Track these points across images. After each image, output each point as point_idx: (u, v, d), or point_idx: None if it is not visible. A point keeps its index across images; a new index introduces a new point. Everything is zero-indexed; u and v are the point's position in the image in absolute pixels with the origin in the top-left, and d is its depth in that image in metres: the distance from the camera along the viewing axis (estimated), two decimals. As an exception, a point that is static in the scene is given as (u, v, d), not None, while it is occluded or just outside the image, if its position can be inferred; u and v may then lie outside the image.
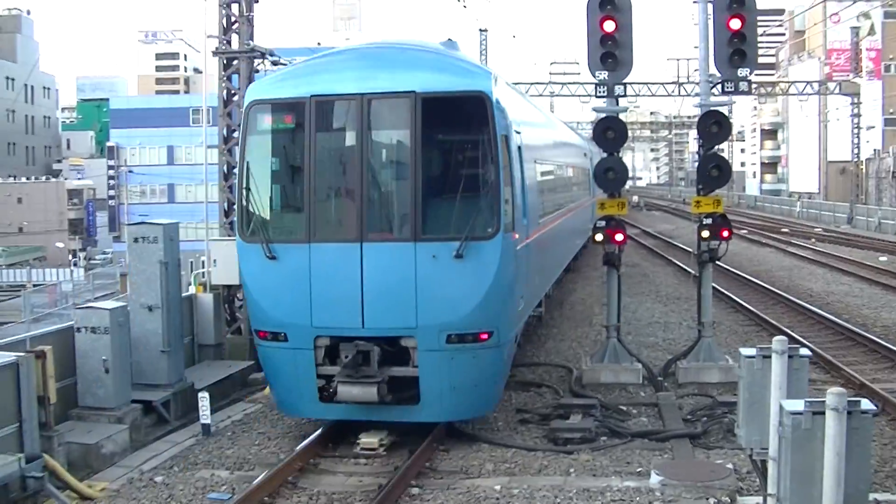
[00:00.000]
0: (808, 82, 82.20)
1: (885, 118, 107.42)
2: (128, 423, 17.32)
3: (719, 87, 21.57)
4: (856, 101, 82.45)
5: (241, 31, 23.24)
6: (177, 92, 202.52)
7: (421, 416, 16.44)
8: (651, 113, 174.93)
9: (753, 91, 21.77)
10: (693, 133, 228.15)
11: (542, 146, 25.51)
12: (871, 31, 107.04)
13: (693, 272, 40.22)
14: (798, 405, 10.02)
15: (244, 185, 16.86)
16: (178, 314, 19.95)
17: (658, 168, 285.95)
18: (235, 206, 19.54)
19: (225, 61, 23.46)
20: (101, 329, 17.34)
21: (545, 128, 29.37)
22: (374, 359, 15.80)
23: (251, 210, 16.90)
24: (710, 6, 21.46)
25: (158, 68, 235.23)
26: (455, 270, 15.78)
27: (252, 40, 23.28)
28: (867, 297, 35.14)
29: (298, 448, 16.16)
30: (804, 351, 12.46)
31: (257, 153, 17.25)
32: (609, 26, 20.39)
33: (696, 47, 22.48)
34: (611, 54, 20.54)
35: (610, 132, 21.18)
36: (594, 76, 20.91)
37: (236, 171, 19.07)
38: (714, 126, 21.18)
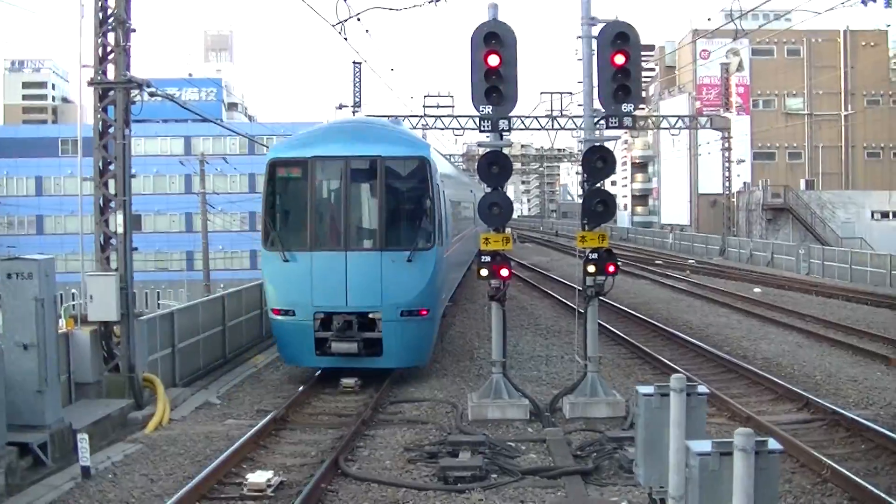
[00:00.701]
0: (679, 116, 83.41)
1: (754, 152, 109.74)
2: (3, 467, 16.45)
3: (603, 121, 21.64)
4: (726, 135, 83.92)
5: (118, 61, 22.57)
6: (45, 121, 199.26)
7: (383, 364, 25.42)
8: (522, 146, 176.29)
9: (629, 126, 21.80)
10: (564, 166, 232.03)
11: (452, 190, 34.96)
12: (740, 68, 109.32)
13: (573, 305, 40.75)
14: (705, 446, 9.92)
15: (268, 214, 25.79)
16: (55, 352, 19.23)
17: (529, 200, 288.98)
18: (260, 227, 27.15)
19: (101, 92, 22.80)
20: (-27, 369, 16.62)
21: (452, 177, 40.75)
22: (354, 326, 24.74)
23: (272, 230, 25.66)
24: (593, 41, 21.50)
25: (25, 97, 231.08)
26: (406, 270, 24.84)
27: (129, 71, 22.66)
28: (745, 329, 35.60)
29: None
30: (702, 388, 12.46)
31: (276, 193, 26.27)
32: (493, 60, 20.36)
33: (579, 82, 22.58)
34: (495, 88, 20.51)
35: (495, 167, 21.09)
36: (478, 110, 20.85)
37: (261, 205, 26.16)
38: (599, 161, 21.26)
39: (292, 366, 27.36)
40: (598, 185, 21.91)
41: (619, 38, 20.75)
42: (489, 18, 20.65)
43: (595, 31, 21.53)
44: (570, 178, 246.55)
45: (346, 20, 26.63)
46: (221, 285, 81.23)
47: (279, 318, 25.61)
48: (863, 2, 29.86)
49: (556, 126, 73.62)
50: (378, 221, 25.25)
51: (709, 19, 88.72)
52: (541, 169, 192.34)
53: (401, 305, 24.92)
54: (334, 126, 30.86)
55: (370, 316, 24.99)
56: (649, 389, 12.65)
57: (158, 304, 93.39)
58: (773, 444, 9.94)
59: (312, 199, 25.51)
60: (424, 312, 25.44)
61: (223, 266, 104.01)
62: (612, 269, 21.42)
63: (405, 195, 26.33)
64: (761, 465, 9.64)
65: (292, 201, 26.57)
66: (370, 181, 25.71)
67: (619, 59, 20.70)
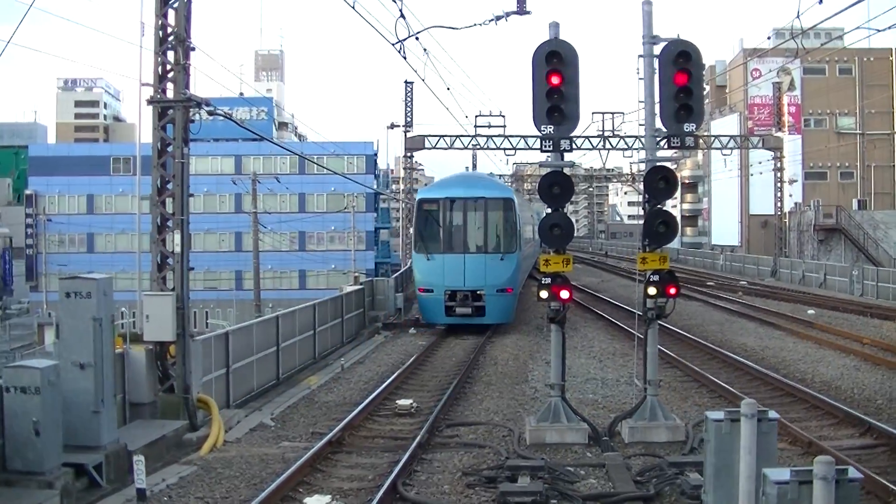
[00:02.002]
0: (731, 136, 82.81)
1: (806, 172, 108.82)
2: (59, 489, 16.37)
3: (664, 141, 21.35)
4: (778, 154, 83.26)
5: (177, 79, 22.56)
6: (96, 140, 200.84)
7: (486, 321, 41.96)
8: (571, 166, 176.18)
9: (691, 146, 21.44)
10: (613, 186, 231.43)
11: (524, 214, 53.06)
12: (792, 87, 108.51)
13: (625, 327, 40.47)
14: (784, 474, 9.65)
15: (417, 231, 44.53)
16: (112, 372, 19.13)
17: (577, 220, 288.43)
18: (412, 239, 47.17)
19: (160, 110, 22.77)
20: (32, 389, 16.49)
21: (524, 206, 61.03)
22: (469, 298, 41.61)
23: (420, 240, 43.42)
24: (655, 61, 21.23)
25: (78, 115, 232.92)
26: (499, 264, 41.93)
27: (188, 89, 22.64)
28: (802, 352, 35.11)
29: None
30: (773, 414, 12.16)
31: (422, 218, 43.65)
32: (555, 80, 20.13)
33: (640, 102, 22.12)
34: (557, 108, 20.28)
35: (556, 188, 20.85)
36: (539, 130, 20.61)
37: (411, 230, 50.07)
38: (661, 181, 20.93)
39: (429, 323, 44.99)
40: (660, 205, 21.55)
41: (682, 56, 20.48)
42: (550, 37, 20.45)
43: (657, 49, 21.23)
44: (619, 199, 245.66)
45: (405, 39, 26.43)
46: (270, 305, 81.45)
47: (423, 294, 43.87)
48: (927, 20, 29.32)
49: (608, 146, 73.19)
50: (483, 236, 43.72)
51: (769, 38, 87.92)
52: (590, 189, 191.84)
53: (496, 286, 42.72)
54: (457, 177, 50.87)
55: (478, 292, 42.51)
56: (719, 415, 12.38)
57: (207, 323, 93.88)
58: (853, 472, 9.65)
59: (444, 222, 43.75)
60: (510, 290, 43.60)
61: (272, 286, 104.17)
62: (673, 291, 21.07)
63: (498, 220, 43.93)
64: (841, 494, 9.37)
65: (432, 223, 44.30)
66: (478, 212, 43.58)
67: (681, 79, 20.43)
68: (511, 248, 43.08)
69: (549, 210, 21.41)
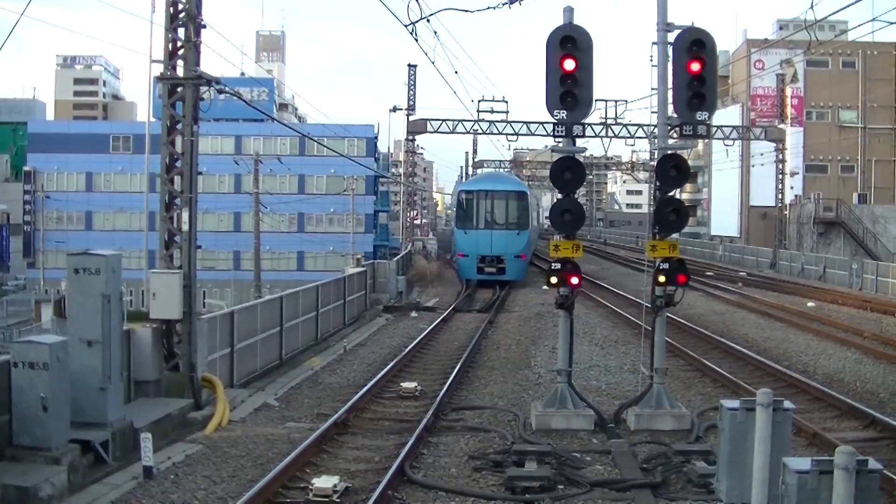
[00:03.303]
0: (734, 127, 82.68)
1: (807, 165, 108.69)
2: (65, 465, 16.28)
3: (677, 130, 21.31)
4: (780, 146, 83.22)
5: (188, 56, 22.44)
6: (95, 118, 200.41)
7: (506, 277, 60.65)
8: (583, 151, 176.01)
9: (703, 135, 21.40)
10: (612, 175, 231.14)
11: (533, 204, 72.66)
12: (794, 79, 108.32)
13: (627, 315, 40.50)
14: (804, 464, 9.63)
15: (458, 213, 65.68)
16: (119, 350, 19.07)
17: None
18: (454, 218, 70.49)
19: (170, 87, 22.67)
20: (40, 364, 16.38)
21: (534, 198, 78.38)
22: (494, 261, 60.99)
23: (461, 220, 64.24)
24: (669, 48, 21.17)
25: (77, 93, 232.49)
26: (517, 238, 61.87)
27: (199, 66, 22.54)
28: (803, 344, 35.16)
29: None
30: (788, 404, 12.17)
31: (462, 205, 64.03)
32: (569, 65, 20.08)
33: (653, 89, 22.05)
34: (570, 93, 20.23)
35: (568, 173, 20.82)
36: (552, 115, 20.56)
37: (451, 212, 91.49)
38: (673, 170, 20.90)
39: (466, 279, 63.33)
40: (671, 193, 21.50)
41: (696, 44, 20.44)
42: (565, 21, 20.38)
43: (670, 37, 21.15)
44: (618, 187, 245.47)
45: (417, 21, 26.35)
46: (268, 286, 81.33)
47: (462, 258, 63.42)
48: (940, 14, 29.21)
49: (611, 134, 73.17)
50: (505, 217, 62.56)
51: (779, 28, 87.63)
52: (589, 177, 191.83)
53: (514, 253, 61.33)
54: (486, 174, 79.85)
55: (501, 257, 60.75)
56: (735, 404, 12.38)
57: (205, 303, 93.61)
58: (873, 463, 9.62)
59: (476, 207, 62.69)
60: (523, 256, 63.08)
61: (269, 267, 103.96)
62: (682, 279, 21.04)
63: (515, 207, 63.31)
64: (861, 484, 9.34)
65: (470, 208, 63.32)
66: (501, 200, 63.07)
67: (695, 67, 20.38)
68: (525, 226, 63.26)
69: (560, 195, 21.36)
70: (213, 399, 22.66)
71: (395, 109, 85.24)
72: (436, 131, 79.07)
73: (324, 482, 15.94)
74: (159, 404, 21.47)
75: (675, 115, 21.46)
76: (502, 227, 62.19)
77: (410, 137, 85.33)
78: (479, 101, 71.64)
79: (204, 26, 22.80)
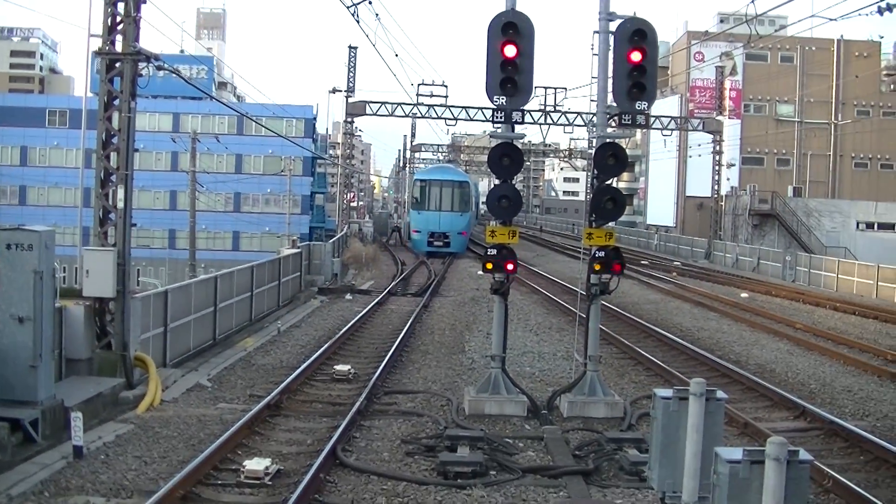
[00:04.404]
0: (672, 118, 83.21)
1: (743, 157, 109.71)
2: (-7, 443, 16.15)
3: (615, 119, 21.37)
4: (718, 138, 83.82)
5: (127, 32, 22.18)
6: (31, 91, 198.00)
7: (450, 250, 74.45)
8: (521, 138, 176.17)
9: (642, 124, 21.45)
10: (550, 162, 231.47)
11: (473, 192, 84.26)
12: (734, 72, 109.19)
13: (561, 302, 40.66)
14: (736, 454, 9.65)
15: (414, 197, 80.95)
16: (51, 327, 18.83)
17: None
18: (409, 201, 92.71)
19: (108, 62, 22.39)
20: (-32, 340, 16.20)
21: (474, 185, 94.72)
22: (441, 237, 75.48)
23: (415, 202, 79.06)
24: (611, 38, 21.20)
25: (13, 66, 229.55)
26: (460, 218, 76.83)
27: (138, 42, 22.28)
28: (736, 334, 35.52)
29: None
30: (720, 394, 12.24)
31: (417, 190, 79.07)
32: (510, 51, 20.04)
33: (593, 78, 22.08)
34: (511, 80, 20.18)
35: (506, 159, 20.83)
36: (492, 101, 20.47)
37: (406, 196, 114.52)
38: (611, 158, 20.97)
39: (417, 252, 77.12)
40: (608, 181, 21.57)
41: (637, 34, 20.49)
42: (507, 8, 20.34)
43: (612, 26, 21.19)
44: (555, 174, 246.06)
45: (360, 2, 26.20)
46: (202, 265, 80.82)
47: (415, 234, 78.14)
48: (878, 12, 29.54)
49: (549, 121, 73.44)
50: (450, 202, 76.32)
51: (721, 21, 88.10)
52: (527, 164, 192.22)
53: (457, 230, 75.88)
54: (437, 167, 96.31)
55: (446, 233, 74.97)
56: (668, 392, 12.39)
57: (139, 281, 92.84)
58: (803, 454, 9.68)
59: (428, 193, 76.69)
60: (465, 234, 78.06)
61: (205, 246, 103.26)
62: (618, 267, 21.13)
63: (459, 194, 77.06)
64: (792, 474, 9.39)
65: (423, 194, 77.11)
66: (448, 188, 76.87)
67: (636, 56, 20.44)
68: (466, 209, 77.85)
69: (498, 181, 21.34)
70: (146, 378, 22.45)
71: (334, 91, 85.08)
72: (375, 114, 79.42)
73: (255, 464, 15.88)
74: (91, 383, 21.24)
75: (614, 104, 21.51)
76: (448, 210, 76.57)
77: (349, 119, 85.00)
78: (419, 85, 71.36)
79: (144, 1, 22.54)
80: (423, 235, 76.17)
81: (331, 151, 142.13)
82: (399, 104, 77.34)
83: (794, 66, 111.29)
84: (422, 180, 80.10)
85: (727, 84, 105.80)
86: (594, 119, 26.08)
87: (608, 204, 21.09)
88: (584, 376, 21.76)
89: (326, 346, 29.00)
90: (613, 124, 21.92)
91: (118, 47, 22.41)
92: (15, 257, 18.07)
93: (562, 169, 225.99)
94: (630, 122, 21.11)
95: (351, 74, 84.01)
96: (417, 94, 71.61)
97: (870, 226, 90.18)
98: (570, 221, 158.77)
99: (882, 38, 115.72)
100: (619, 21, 21.03)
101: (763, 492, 9.26)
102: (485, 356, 26.76)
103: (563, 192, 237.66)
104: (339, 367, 25.27)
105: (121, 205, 22.47)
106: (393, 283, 51.23)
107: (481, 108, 74.22)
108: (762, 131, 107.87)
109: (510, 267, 21.06)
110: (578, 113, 75.58)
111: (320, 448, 17.41)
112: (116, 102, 22.56)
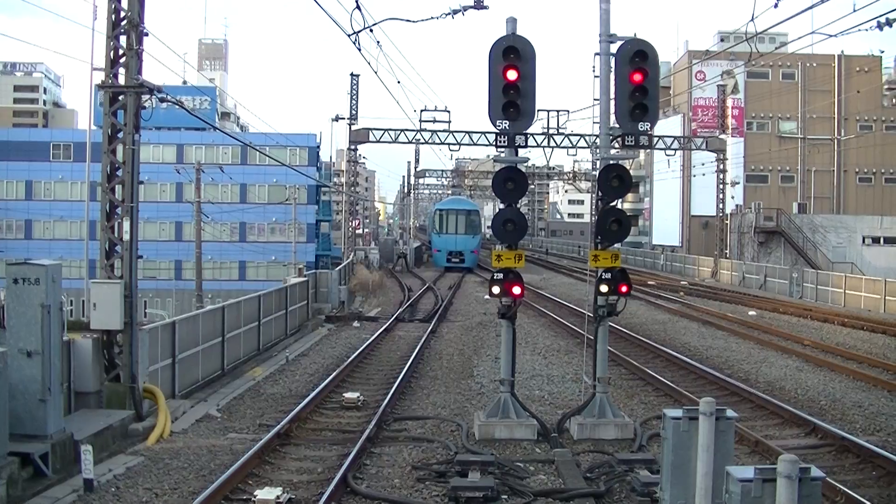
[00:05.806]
0: (675, 137, 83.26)
1: (747, 175, 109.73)
2: (4, 478, 16.00)
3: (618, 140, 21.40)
4: (721, 157, 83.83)
5: (130, 64, 22.26)
6: (35, 125, 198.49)
7: (465, 266, 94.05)
8: (525, 162, 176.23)
9: (645, 145, 21.52)
10: (554, 184, 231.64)
11: (481, 217, 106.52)
12: (735, 90, 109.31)
13: (569, 324, 40.62)
14: (747, 472, 9.68)
15: (435, 224, 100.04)
16: (59, 360, 18.84)
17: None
18: (432, 226, 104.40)
19: (111, 95, 22.46)
20: (-23, 376, 16.19)
21: (482, 210, 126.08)
22: (457, 255, 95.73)
23: (437, 227, 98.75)
24: (612, 59, 21.26)
25: (17, 100, 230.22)
26: (472, 240, 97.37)
27: (141, 74, 22.35)
28: (745, 352, 35.44)
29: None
30: (730, 412, 12.22)
31: (437, 218, 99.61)
32: (512, 75, 20.09)
33: (595, 100, 22.12)
34: (513, 104, 20.22)
35: (510, 183, 20.82)
36: (494, 125, 20.52)
37: (427, 223, 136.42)
38: (615, 180, 20.98)
39: (439, 267, 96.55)
40: (613, 203, 21.57)
41: (638, 55, 20.56)
42: (508, 32, 20.38)
43: (613, 48, 21.25)
44: (560, 197, 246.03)
45: (360, 30, 26.29)
46: (209, 295, 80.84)
47: (437, 252, 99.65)
48: (878, 27, 29.55)
49: (553, 144, 73.53)
50: (465, 227, 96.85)
51: (721, 40, 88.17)
52: (531, 187, 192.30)
53: (470, 249, 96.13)
54: (452, 199, 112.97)
55: (461, 251, 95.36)
56: (678, 412, 12.39)
57: (146, 313, 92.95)
58: (815, 471, 9.68)
59: (447, 220, 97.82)
60: (476, 252, 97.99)
61: (211, 276, 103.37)
62: (624, 289, 21.12)
63: (471, 220, 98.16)
64: (805, 491, 9.41)
65: (442, 221, 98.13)
66: (462, 216, 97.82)
67: (638, 77, 20.51)
68: (476, 232, 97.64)
69: (502, 205, 21.36)
70: (155, 410, 22.46)
71: (337, 119, 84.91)
72: (378, 141, 79.44)
73: (267, 494, 15.84)
74: (100, 416, 21.23)
75: (617, 126, 21.56)
76: (462, 233, 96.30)
77: (352, 147, 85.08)
78: (422, 111, 71.40)
79: (146, 34, 22.62)
80: (444, 254, 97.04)
81: (335, 179, 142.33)
82: (402, 130, 77.51)
83: (795, 83, 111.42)
84: (440, 210, 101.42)
85: (729, 102, 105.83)
86: (597, 141, 25.99)
87: (613, 225, 21.09)
88: (593, 398, 21.72)
89: (335, 373, 28.98)
90: (617, 145, 21.96)
91: (121, 80, 22.48)
92: (22, 291, 18.12)
93: (566, 191, 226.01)
94: (633, 143, 21.17)
95: (353, 102, 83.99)
96: (420, 120, 71.52)
97: (876, 240, 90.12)
98: (576, 244, 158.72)
99: (882, 52, 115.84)
100: (619, 43, 21.12)
101: (776, 510, 9.28)
102: (493, 380, 26.75)
103: (568, 214, 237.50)
104: (348, 395, 25.24)
105: (126, 237, 22.52)
106: (400, 310, 51.22)
107: (484, 133, 74.03)
108: (765, 148, 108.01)
109: (517, 291, 21.02)
110: (582, 135, 75.62)
111: (331, 476, 17.39)
112: (120, 135, 22.62)
